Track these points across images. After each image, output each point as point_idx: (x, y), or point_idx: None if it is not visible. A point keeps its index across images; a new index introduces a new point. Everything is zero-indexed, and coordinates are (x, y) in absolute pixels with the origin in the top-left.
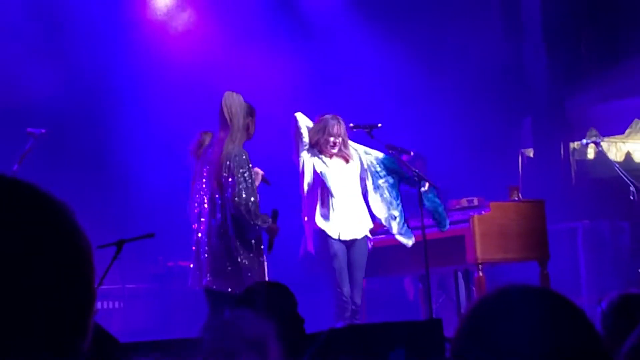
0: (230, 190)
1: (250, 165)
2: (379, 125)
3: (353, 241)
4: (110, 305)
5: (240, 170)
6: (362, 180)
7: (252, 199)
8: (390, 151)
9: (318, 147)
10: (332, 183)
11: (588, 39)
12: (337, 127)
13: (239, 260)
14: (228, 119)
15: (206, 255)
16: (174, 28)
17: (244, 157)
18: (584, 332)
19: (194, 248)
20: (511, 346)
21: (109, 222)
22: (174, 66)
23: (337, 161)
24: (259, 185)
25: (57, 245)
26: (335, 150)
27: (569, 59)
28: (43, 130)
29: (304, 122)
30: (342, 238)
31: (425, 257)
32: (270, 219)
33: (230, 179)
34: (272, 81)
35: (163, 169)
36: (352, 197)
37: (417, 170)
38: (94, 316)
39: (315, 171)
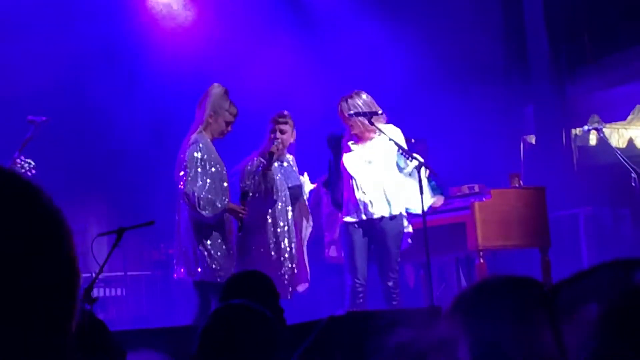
0: (179, 182)
1: (205, 154)
2: (380, 112)
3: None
4: (113, 293)
5: (188, 160)
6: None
7: (195, 189)
8: (390, 139)
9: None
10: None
11: (589, 26)
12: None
13: (204, 248)
14: (197, 108)
15: (178, 248)
16: (175, 17)
17: (196, 147)
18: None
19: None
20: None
21: (110, 210)
22: (178, 56)
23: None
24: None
25: (29, 223)
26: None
27: (571, 45)
28: (44, 118)
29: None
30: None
31: (426, 244)
32: (225, 202)
33: (180, 172)
34: (274, 68)
35: (164, 155)
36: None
37: (417, 157)
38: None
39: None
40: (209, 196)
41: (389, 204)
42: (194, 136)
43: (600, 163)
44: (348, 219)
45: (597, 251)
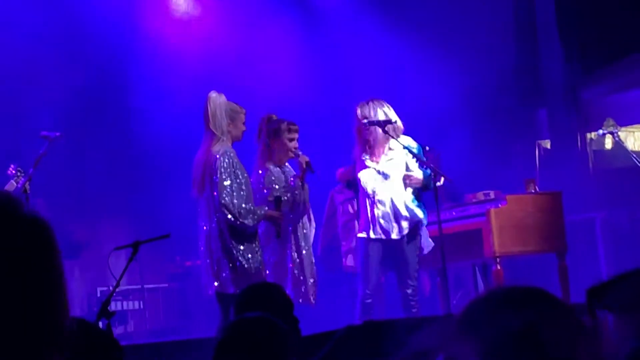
0: (215, 193)
1: (235, 163)
2: (394, 120)
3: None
4: (130, 306)
5: (222, 173)
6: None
7: (235, 200)
8: (404, 147)
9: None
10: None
11: (602, 28)
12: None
13: (239, 260)
14: (210, 122)
15: (208, 260)
16: (183, 17)
17: (226, 158)
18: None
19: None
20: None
21: (126, 223)
22: (193, 64)
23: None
24: (306, 172)
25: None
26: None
27: (584, 48)
28: (58, 134)
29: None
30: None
31: (442, 251)
32: (264, 209)
33: (213, 182)
34: (282, 70)
35: (180, 167)
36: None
37: (432, 165)
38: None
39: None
40: (249, 205)
41: (408, 221)
42: (218, 146)
43: (616, 166)
44: (365, 235)
45: (615, 254)
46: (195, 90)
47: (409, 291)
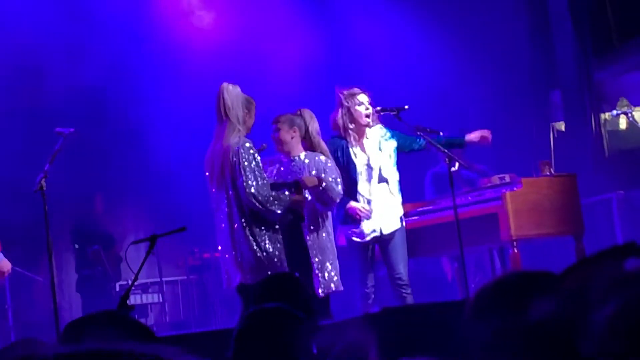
0: (239, 184)
1: (255, 152)
2: (406, 107)
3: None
4: (150, 299)
5: (245, 162)
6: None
7: (260, 189)
8: (419, 133)
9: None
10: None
11: (615, 8)
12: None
13: (265, 250)
14: (226, 112)
15: (233, 252)
16: (200, 18)
17: (247, 146)
18: None
19: (219, 248)
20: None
21: (144, 215)
22: (204, 57)
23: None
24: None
25: None
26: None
27: (597, 29)
28: (72, 130)
29: None
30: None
31: (459, 236)
32: (287, 195)
33: (237, 173)
34: (291, 62)
35: (196, 159)
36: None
37: (447, 151)
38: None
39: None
40: (274, 193)
41: (392, 218)
42: (236, 137)
43: (631, 146)
44: (355, 238)
45: (632, 235)
46: (208, 81)
47: (400, 281)
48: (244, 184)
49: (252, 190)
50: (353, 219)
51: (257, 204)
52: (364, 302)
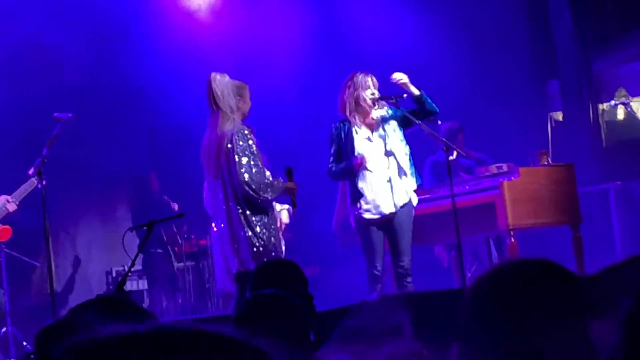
0: (233, 170)
1: (248, 139)
2: (405, 95)
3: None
4: (146, 286)
5: (239, 149)
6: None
7: (254, 176)
8: (417, 122)
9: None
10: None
11: None
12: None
13: (259, 237)
14: (216, 102)
15: (230, 240)
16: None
17: (243, 133)
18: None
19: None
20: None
21: (141, 203)
22: (204, 47)
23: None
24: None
25: None
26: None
27: (596, 19)
28: (70, 115)
29: None
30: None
31: (456, 225)
32: (281, 182)
33: (231, 160)
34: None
35: (195, 147)
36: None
37: (444, 139)
38: (128, 296)
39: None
40: (266, 180)
41: (400, 194)
42: (230, 125)
43: (629, 137)
44: (366, 215)
45: (629, 226)
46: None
47: (403, 268)
48: (238, 171)
49: (246, 177)
50: (361, 196)
51: (250, 191)
52: (371, 286)
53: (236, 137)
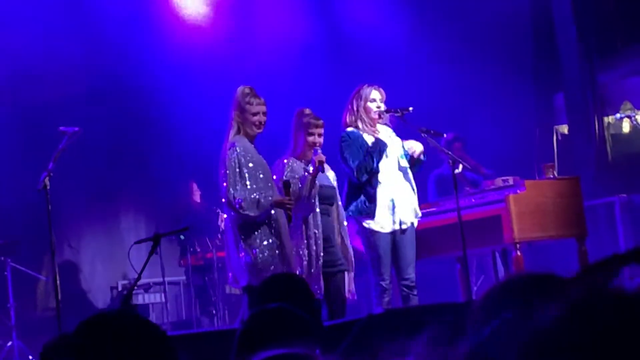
0: (222, 188)
1: (239, 155)
2: (411, 109)
3: None
4: (152, 299)
5: (227, 167)
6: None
7: (236, 193)
8: (423, 134)
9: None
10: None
11: (619, 11)
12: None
13: (246, 252)
14: (230, 113)
15: (224, 253)
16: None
17: (232, 151)
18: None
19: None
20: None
21: (146, 215)
22: (210, 54)
23: None
24: (318, 171)
25: None
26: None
27: (601, 32)
28: (76, 129)
29: None
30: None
31: (462, 238)
32: (270, 199)
33: (220, 178)
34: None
35: (201, 158)
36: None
37: (450, 153)
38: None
39: None
40: (252, 196)
41: (407, 208)
42: (230, 140)
43: (635, 150)
44: (376, 227)
45: (635, 238)
46: (214, 83)
47: (408, 282)
48: (225, 190)
49: (228, 194)
50: (368, 208)
51: (230, 210)
52: (380, 298)
53: (228, 153)
